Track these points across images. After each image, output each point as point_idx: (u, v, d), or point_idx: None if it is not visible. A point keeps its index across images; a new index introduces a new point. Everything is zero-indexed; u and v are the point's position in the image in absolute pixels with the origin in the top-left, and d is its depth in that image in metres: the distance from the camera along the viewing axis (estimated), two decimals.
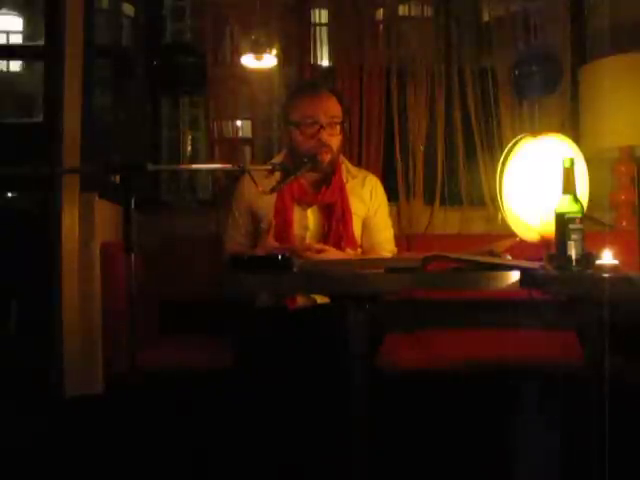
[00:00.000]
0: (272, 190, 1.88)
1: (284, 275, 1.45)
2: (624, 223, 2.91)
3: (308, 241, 2.11)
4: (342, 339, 1.51)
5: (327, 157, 2.08)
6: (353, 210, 2.17)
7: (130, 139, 3.13)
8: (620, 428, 1.42)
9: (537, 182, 1.65)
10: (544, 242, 1.63)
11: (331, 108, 2.12)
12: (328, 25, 3.29)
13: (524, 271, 1.36)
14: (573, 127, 3.06)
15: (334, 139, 2.11)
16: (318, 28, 3.26)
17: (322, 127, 2.07)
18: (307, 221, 2.16)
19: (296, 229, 2.13)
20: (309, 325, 2.00)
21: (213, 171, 3.13)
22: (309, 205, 2.16)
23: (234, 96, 3.09)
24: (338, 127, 2.12)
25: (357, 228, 2.20)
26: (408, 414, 2.05)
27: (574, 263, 1.33)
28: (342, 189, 2.17)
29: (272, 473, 1.85)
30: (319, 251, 1.94)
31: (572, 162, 1.43)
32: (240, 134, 3.22)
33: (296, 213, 2.14)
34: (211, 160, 3.10)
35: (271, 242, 1.99)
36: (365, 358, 1.54)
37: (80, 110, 2.48)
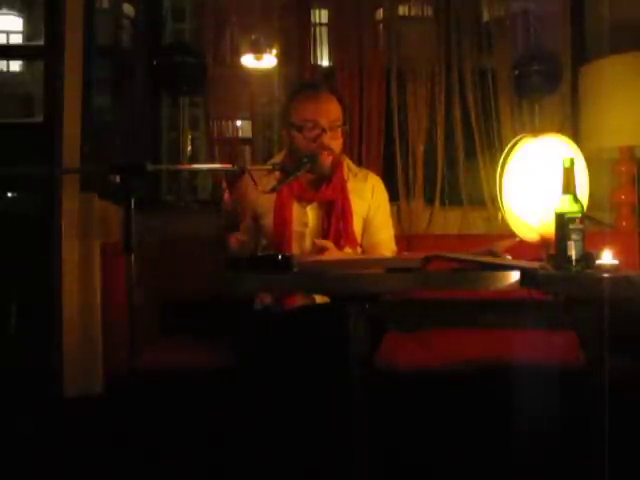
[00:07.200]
0: (272, 190, 1.87)
1: (284, 275, 1.45)
2: (624, 223, 2.91)
3: (307, 238, 2.12)
4: (342, 339, 1.51)
5: (329, 159, 2.08)
6: (353, 208, 2.16)
7: (130, 139, 3.13)
8: (620, 429, 1.42)
9: (537, 182, 1.65)
10: (544, 242, 1.63)
11: (332, 111, 2.10)
12: (328, 25, 3.29)
13: (524, 271, 1.35)
14: (573, 127, 3.06)
15: (335, 142, 2.10)
16: (318, 28, 3.25)
17: (323, 130, 2.06)
18: (306, 218, 2.15)
19: (295, 226, 2.12)
20: (309, 325, 1.99)
21: (213, 171, 3.14)
22: (309, 202, 2.16)
23: (234, 96, 3.09)
24: (339, 130, 2.12)
25: (357, 226, 2.19)
26: (408, 414, 2.05)
27: (574, 263, 1.33)
28: (343, 187, 2.16)
29: (272, 473, 1.85)
30: (321, 250, 1.93)
31: (572, 162, 1.43)
32: (240, 134, 3.22)
33: (295, 210, 2.13)
34: (211, 160, 3.11)
35: None
36: (365, 358, 1.54)
37: (80, 110, 2.48)
